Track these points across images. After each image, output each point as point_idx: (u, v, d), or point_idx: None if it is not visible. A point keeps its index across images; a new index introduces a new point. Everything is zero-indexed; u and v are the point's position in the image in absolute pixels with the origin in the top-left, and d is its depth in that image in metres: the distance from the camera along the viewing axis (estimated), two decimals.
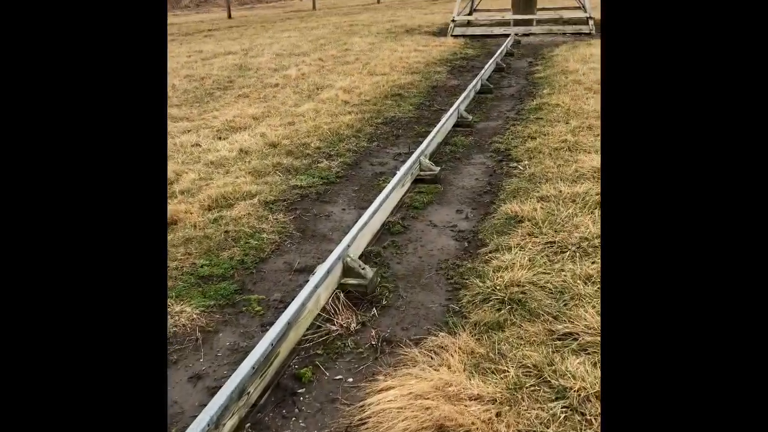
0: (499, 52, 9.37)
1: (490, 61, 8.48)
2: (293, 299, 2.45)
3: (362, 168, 4.64)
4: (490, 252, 3.08)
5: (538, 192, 3.75)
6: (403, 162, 4.39)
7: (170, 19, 21.19)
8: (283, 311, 2.36)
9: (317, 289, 2.55)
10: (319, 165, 4.63)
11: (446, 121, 5.30)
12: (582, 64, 8.40)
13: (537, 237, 3.14)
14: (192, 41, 14.07)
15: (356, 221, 3.20)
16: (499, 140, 5.15)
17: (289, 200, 3.93)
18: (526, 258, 2.91)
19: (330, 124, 5.72)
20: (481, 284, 2.73)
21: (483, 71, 7.69)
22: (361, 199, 4.01)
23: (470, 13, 15.03)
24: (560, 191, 3.70)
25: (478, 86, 7.08)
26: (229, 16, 20.72)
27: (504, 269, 2.82)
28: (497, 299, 2.59)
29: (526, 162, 4.43)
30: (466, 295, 2.69)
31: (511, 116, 6.05)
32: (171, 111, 6.74)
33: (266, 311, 2.71)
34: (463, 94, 6.33)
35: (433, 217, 3.65)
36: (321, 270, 2.65)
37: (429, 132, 5.14)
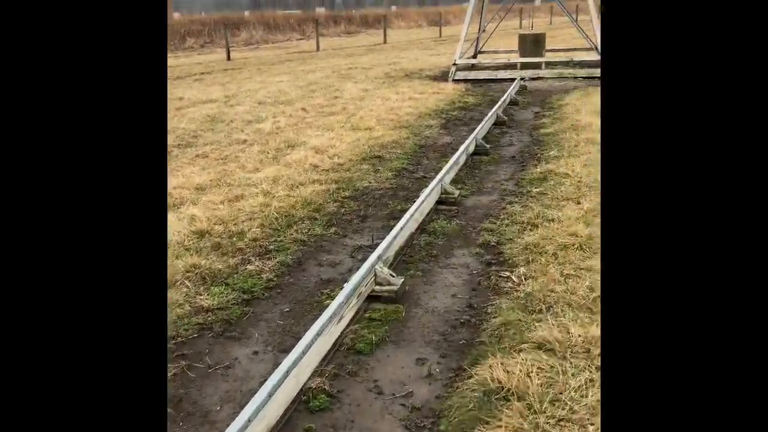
0: (501, 101, 8.31)
1: (490, 112, 7.41)
2: None
3: (305, 272, 3.51)
4: None
5: (535, 331, 2.58)
6: (362, 261, 3.27)
7: (169, 61, 20.58)
8: None
9: None
10: (247, 268, 3.50)
11: (424, 201, 4.18)
12: (596, 117, 7.29)
13: None
14: (179, 86, 13.23)
15: (268, 376, 2.09)
16: (491, 227, 4.01)
17: (181, 337, 2.78)
18: None
19: (284, 201, 4.63)
20: None
21: (480, 127, 6.61)
22: (288, 330, 2.86)
23: (475, 56, 14.10)
24: (569, 333, 2.53)
25: (472, 147, 5.98)
26: (228, 58, 20.05)
27: None
28: None
29: (523, 270, 3.27)
30: None
31: (509, 188, 4.92)
32: None
33: None
34: (451, 160, 5.23)
35: (382, 372, 2.49)
36: None
37: (405, 210, 4.03)
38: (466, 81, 11.82)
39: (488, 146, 6.12)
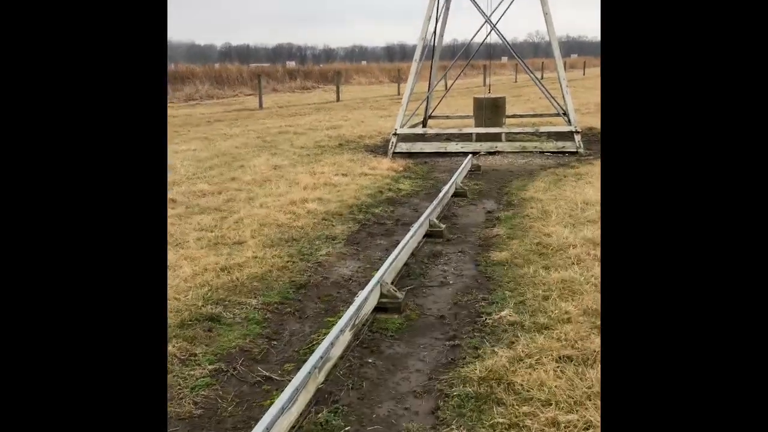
0: (443, 192, 6.00)
1: (422, 217, 5.07)
2: None
3: None
4: None
5: None
6: None
7: None
8: None
9: None
10: None
11: None
12: (572, 228, 4.98)
13: None
14: None
15: None
16: None
17: None
18: None
19: None
20: None
21: (402, 247, 4.24)
22: None
23: (424, 122, 11.95)
24: None
25: (375, 297, 3.57)
26: None
27: None
28: None
29: None
30: None
31: (423, 409, 2.50)
32: None
33: None
34: (332, 333, 2.82)
35: None
36: None
37: None
38: (409, 155, 9.58)
39: (401, 296, 3.70)
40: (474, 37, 10.28)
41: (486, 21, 9.90)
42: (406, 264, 4.36)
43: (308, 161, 8.92)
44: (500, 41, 10.31)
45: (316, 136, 11.82)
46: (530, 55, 68.24)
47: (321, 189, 6.87)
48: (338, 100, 23.72)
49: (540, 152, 9.35)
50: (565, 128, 9.50)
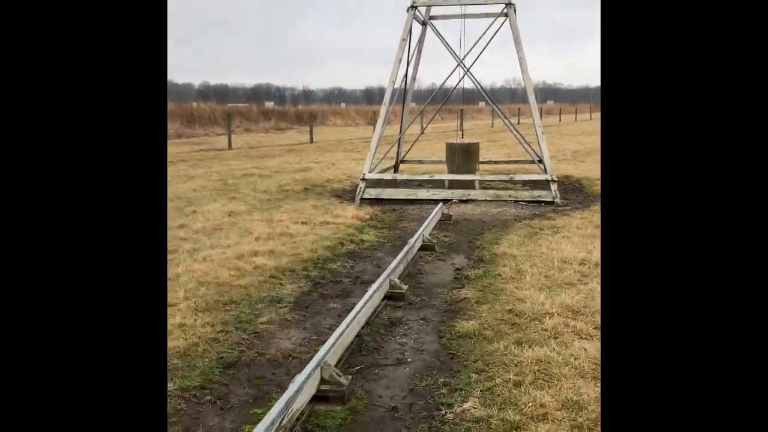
0: (408, 247, 5.45)
1: (381, 278, 4.48)
2: None
3: None
4: None
5: None
6: None
7: None
8: None
9: None
10: None
11: None
12: (548, 292, 4.44)
13: None
14: None
15: None
16: None
17: None
18: None
19: None
20: None
21: (355, 313, 3.64)
22: None
23: (396, 167, 11.50)
24: None
25: (312, 385, 2.94)
26: None
27: None
28: None
29: None
30: None
31: None
32: None
33: None
34: None
35: None
36: None
37: None
38: (378, 201, 9.06)
39: (345, 381, 3.07)
40: (446, 80, 9.95)
41: (459, 64, 9.56)
42: (358, 335, 3.75)
43: (268, 207, 8.33)
44: (476, 86, 9.97)
45: (282, 179, 11.26)
46: (507, 100, 69.42)
47: (275, 240, 6.27)
48: (312, 141, 23.33)
49: (514, 201, 8.90)
50: (541, 176, 9.09)
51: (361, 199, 9.05)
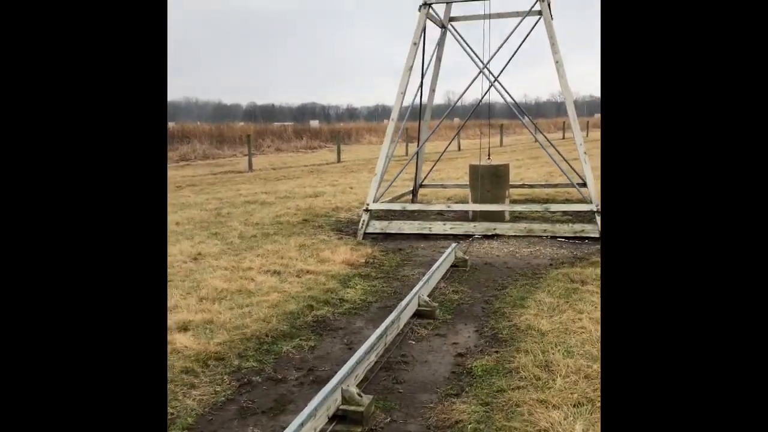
0: (389, 322, 3.87)
1: (333, 380, 2.90)
2: None
3: None
4: None
5: None
6: None
7: None
8: None
9: None
10: None
11: None
12: (588, 415, 2.76)
13: None
14: None
15: None
16: None
17: None
18: None
19: None
20: None
21: None
22: None
23: (414, 192, 9.91)
24: None
25: None
26: None
27: None
28: None
29: None
30: None
31: None
32: None
33: None
34: None
35: None
36: None
37: None
38: (385, 236, 7.49)
39: None
40: (466, 89, 8.32)
41: (480, 71, 7.95)
42: None
43: (246, 246, 6.88)
44: (502, 96, 8.33)
45: (283, 208, 9.84)
46: (552, 114, 66.68)
47: (225, 301, 4.77)
48: (339, 161, 22.00)
49: (551, 237, 7.17)
50: (584, 207, 7.33)
51: (365, 233, 7.50)
